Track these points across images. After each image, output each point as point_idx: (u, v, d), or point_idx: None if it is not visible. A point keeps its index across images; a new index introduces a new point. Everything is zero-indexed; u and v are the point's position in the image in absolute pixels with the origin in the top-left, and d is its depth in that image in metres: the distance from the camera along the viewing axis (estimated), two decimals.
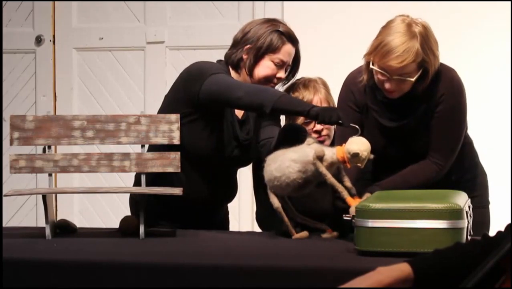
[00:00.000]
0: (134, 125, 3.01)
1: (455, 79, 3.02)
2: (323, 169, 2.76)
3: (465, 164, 3.14)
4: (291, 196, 2.90)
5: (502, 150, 4.58)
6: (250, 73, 3.18)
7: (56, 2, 5.23)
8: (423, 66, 2.91)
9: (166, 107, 3.19)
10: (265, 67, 3.17)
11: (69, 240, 2.90)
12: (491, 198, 3.25)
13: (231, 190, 3.31)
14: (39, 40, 5.23)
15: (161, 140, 3.01)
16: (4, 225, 4.96)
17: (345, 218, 2.64)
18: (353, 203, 2.69)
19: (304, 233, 2.88)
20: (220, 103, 3.05)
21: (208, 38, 5.02)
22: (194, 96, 3.07)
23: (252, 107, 2.99)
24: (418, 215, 2.51)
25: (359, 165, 2.76)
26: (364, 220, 2.54)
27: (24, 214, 5.28)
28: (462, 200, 2.63)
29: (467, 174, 3.15)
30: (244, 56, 3.19)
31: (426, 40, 2.89)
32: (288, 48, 3.19)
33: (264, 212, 3.24)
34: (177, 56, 5.07)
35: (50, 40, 5.23)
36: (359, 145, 2.74)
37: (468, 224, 2.58)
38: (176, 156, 2.99)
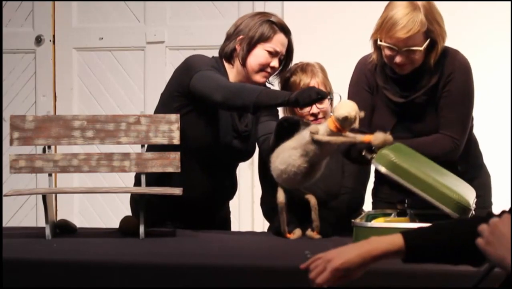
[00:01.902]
0: (134, 125, 3.01)
1: (462, 58, 3.08)
2: (324, 138, 2.75)
3: (469, 160, 3.14)
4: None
5: (503, 150, 4.57)
6: (243, 62, 3.18)
7: (56, 2, 5.22)
8: (430, 36, 2.95)
9: (162, 104, 3.20)
10: (257, 56, 3.18)
11: (69, 240, 2.90)
12: (493, 199, 3.25)
13: (231, 187, 3.31)
14: (39, 40, 5.23)
15: (161, 140, 3.01)
16: (4, 225, 4.95)
17: (364, 154, 2.70)
18: (371, 137, 2.69)
19: (298, 232, 2.91)
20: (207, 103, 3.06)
21: (208, 38, 5.01)
22: (185, 90, 3.09)
23: (236, 109, 3.05)
24: (428, 189, 2.58)
25: (353, 126, 2.74)
26: (379, 166, 2.64)
27: (24, 214, 5.28)
28: (471, 197, 2.66)
29: (471, 170, 3.14)
30: (237, 47, 3.20)
31: (429, 11, 2.95)
32: (280, 37, 3.20)
33: (267, 206, 3.23)
34: (177, 56, 5.06)
35: (50, 40, 5.22)
36: (344, 107, 2.74)
37: None
38: (176, 156, 2.99)
